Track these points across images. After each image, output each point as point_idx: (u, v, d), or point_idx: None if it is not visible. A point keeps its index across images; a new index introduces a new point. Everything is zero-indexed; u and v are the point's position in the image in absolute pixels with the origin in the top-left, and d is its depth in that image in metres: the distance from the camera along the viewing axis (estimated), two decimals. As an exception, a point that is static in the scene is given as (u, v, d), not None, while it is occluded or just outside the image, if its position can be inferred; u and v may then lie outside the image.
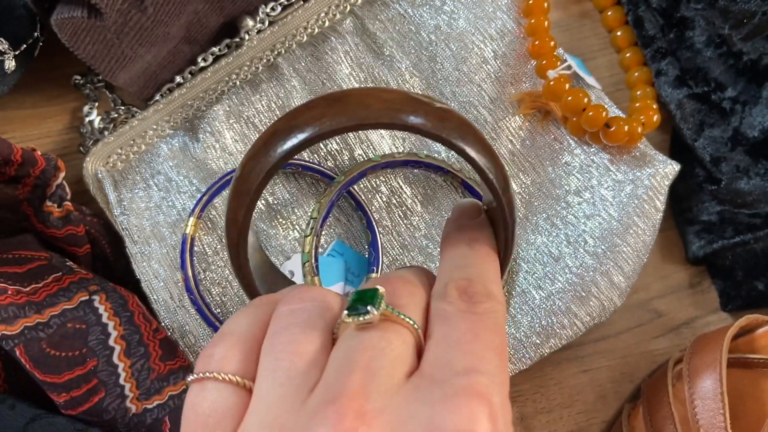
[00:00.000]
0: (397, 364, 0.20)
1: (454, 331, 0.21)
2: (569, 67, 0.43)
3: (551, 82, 0.41)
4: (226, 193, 0.40)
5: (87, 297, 0.35)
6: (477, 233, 0.25)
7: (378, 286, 0.22)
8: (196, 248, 0.39)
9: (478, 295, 0.22)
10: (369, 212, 0.41)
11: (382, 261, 0.41)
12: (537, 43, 0.43)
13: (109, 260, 0.40)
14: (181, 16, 0.39)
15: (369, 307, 0.21)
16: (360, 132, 0.41)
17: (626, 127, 0.40)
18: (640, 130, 0.41)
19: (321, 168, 0.41)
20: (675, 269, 0.45)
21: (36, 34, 0.38)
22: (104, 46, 0.36)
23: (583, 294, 0.40)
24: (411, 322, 0.21)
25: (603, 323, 0.42)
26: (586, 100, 0.41)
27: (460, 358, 0.20)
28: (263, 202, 0.41)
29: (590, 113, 0.41)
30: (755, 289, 0.42)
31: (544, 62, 0.42)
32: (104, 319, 0.35)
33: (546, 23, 0.43)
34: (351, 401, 0.19)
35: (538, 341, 0.40)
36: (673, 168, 0.41)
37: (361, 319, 0.21)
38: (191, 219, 0.39)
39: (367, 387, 0.19)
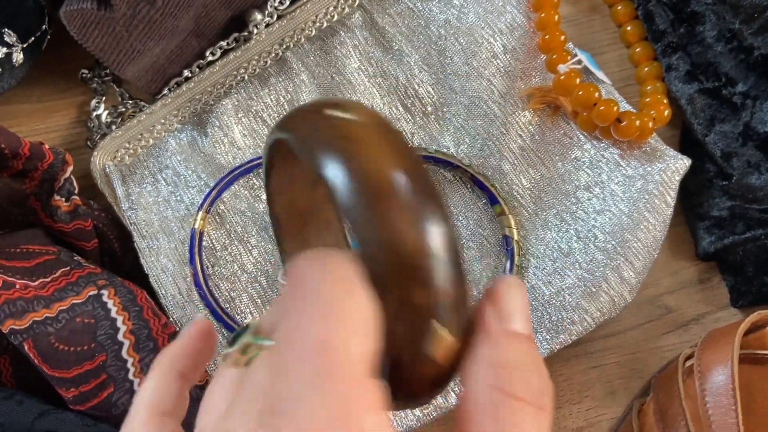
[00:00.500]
0: None
1: None
2: (579, 62, 0.42)
3: (562, 77, 0.41)
4: (234, 187, 0.40)
5: (96, 291, 0.35)
6: None
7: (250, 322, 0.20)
8: (204, 243, 0.39)
9: None
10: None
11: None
12: (547, 37, 0.42)
13: (117, 255, 0.40)
14: (189, 10, 0.39)
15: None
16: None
17: (637, 122, 0.40)
18: (651, 124, 0.40)
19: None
20: (685, 265, 0.45)
21: (44, 26, 0.38)
22: (113, 38, 0.36)
23: (594, 289, 0.40)
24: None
25: (612, 319, 0.41)
26: (597, 94, 0.41)
27: None
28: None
29: (601, 108, 0.40)
30: (766, 285, 0.42)
31: (554, 56, 0.42)
32: (113, 314, 0.34)
33: (556, 17, 0.43)
34: None
35: (548, 337, 0.40)
36: (683, 163, 0.41)
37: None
38: (200, 213, 0.39)
39: None
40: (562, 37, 0.42)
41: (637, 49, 0.45)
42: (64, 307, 0.34)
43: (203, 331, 0.25)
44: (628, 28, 0.46)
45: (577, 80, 0.41)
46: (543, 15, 0.43)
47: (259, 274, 0.39)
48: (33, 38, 0.38)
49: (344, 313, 0.17)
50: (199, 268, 0.38)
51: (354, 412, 0.17)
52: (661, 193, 0.41)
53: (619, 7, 0.46)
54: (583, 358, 0.43)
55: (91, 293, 0.35)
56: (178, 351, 0.25)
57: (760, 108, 0.42)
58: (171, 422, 0.24)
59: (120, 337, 0.34)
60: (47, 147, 0.36)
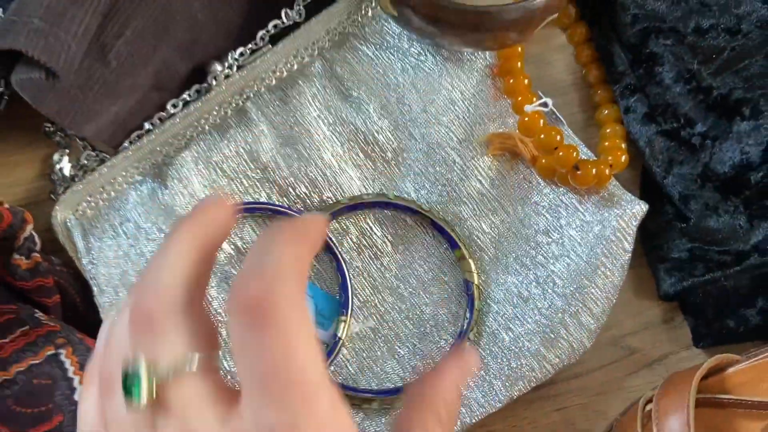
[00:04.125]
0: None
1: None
2: (545, 104, 0.43)
3: (526, 118, 0.41)
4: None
5: (54, 351, 0.35)
6: None
7: (138, 366, 0.20)
8: (164, 296, 0.40)
9: None
10: (339, 254, 0.41)
11: (353, 303, 0.41)
12: (512, 81, 0.42)
13: (79, 309, 0.40)
14: (147, 66, 0.39)
15: (133, 400, 0.20)
16: (329, 175, 0.41)
17: (594, 170, 0.40)
18: (608, 172, 0.41)
19: (291, 211, 0.41)
20: (648, 305, 0.45)
21: (1, 89, 0.39)
22: (69, 101, 0.37)
23: (552, 336, 0.40)
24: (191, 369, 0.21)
25: (576, 362, 0.42)
26: (558, 138, 0.41)
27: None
28: (233, 246, 0.41)
29: (561, 153, 0.41)
30: (726, 327, 0.42)
31: (519, 99, 0.42)
32: (70, 374, 0.35)
33: (519, 64, 0.43)
34: None
35: (507, 384, 0.40)
36: (640, 208, 0.41)
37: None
38: (159, 268, 0.39)
39: None
40: (526, 81, 0.43)
41: (598, 92, 0.45)
42: (22, 369, 0.34)
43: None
44: (590, 70, 0.46)
45: (541, 122, 0.41)
46: (503, 61, 0.43)
47: (219, 325, 0.39)
48: (-8, 98, 0.38)
49: None
50: (158, 323, 0.39)
51: None
52: (618, 239, 0.41)
53: (582, 49, 0.46)
54: (546, 401, 0.43)
55: (49, 353, 0.35)
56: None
57: (719, 148, 0.43)
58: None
59: (77, 397, 0.35)
60: (6, 207, 0.37)
